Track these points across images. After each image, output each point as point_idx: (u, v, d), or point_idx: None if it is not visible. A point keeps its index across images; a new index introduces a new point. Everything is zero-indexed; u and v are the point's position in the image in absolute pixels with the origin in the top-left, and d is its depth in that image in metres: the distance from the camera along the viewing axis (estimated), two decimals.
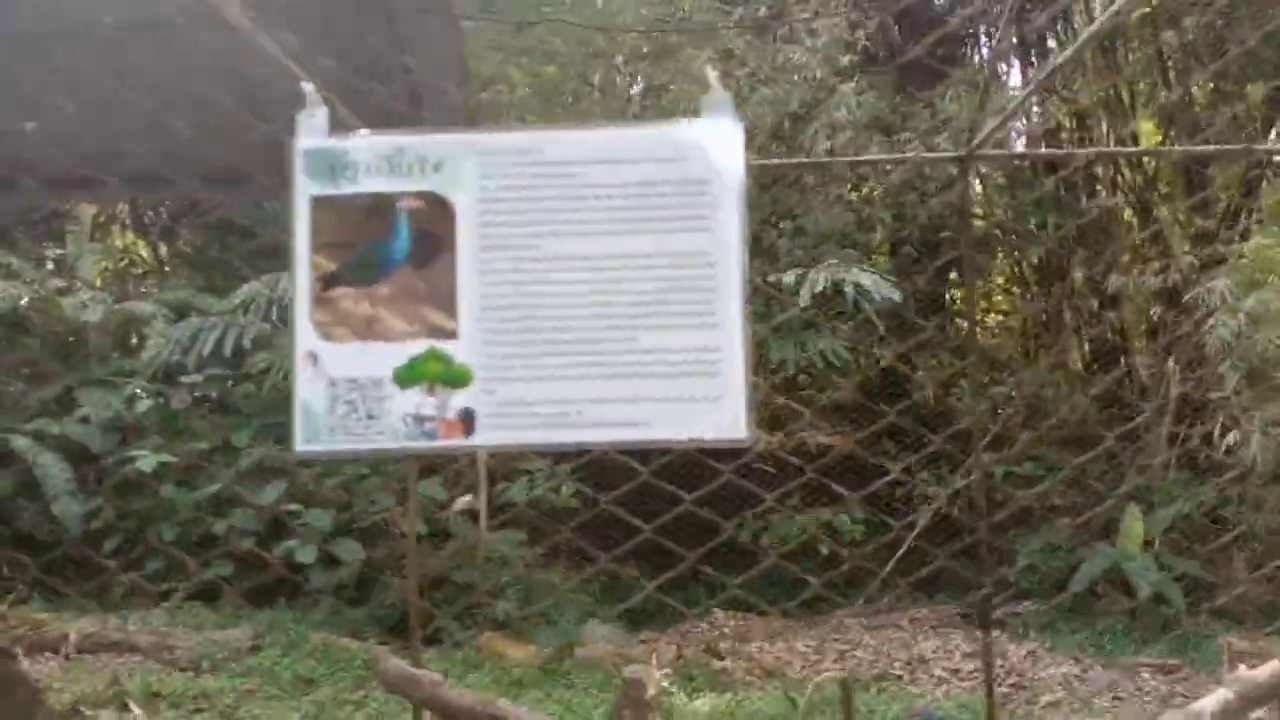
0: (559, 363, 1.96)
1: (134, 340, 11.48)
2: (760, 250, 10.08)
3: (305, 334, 1.97)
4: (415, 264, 1.98)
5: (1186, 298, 9.45)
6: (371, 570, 9.50)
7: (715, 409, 1.95)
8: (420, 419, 1.96)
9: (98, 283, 12.08)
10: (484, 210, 2.00)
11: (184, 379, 10.52)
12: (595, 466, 8.71)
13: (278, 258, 10.50)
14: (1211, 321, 8.79)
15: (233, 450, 10.16)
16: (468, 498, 9.65)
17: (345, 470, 9.75)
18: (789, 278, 9.33)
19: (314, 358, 1.97)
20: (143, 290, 12.96)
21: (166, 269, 13.86)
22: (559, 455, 9.43)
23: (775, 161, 9.12)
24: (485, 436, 1.96)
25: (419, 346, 1.96)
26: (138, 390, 10.41)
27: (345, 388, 1.97)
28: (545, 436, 1.97)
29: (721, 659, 8.76)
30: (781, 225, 10.60)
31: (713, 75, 2.00)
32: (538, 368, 1.96)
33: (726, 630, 9.34)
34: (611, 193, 2.00)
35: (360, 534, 9.48)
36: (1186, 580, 9.54)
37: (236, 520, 9.60)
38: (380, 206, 2.00)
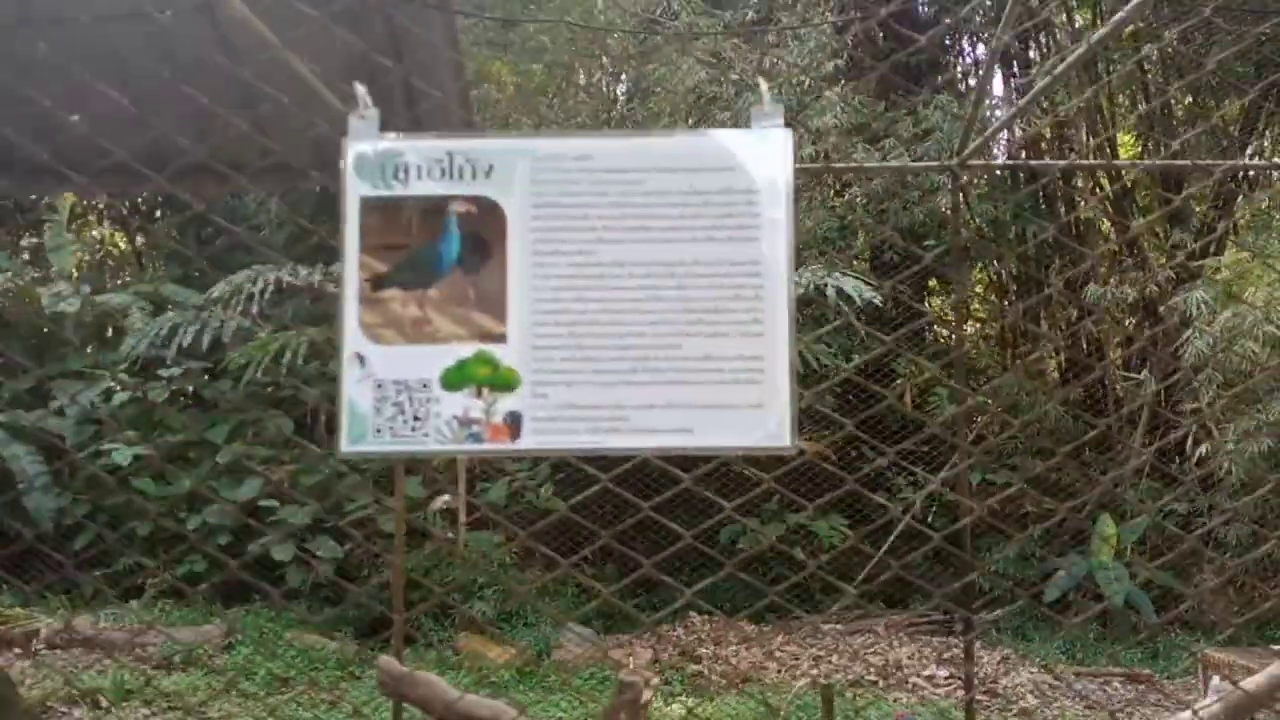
0: (608, 369, 1.95)
1: (110, 333, 11.34)
2: None
3: (353, 335, 1.96)
4: (465, 268, 1.97)
5: (1162, 309, 9.54)
6: (348, 568, 9.45)
7: (760, 417, 1.96)
8: (467, 422, 1.94)
9: (74, 274, 11.92)
10: (535, 215, 1.99)
11: (162, 373, 10.40)
12: (573, 468, 8.69)
13: (254, 252, 10.41)
14: (1188, 333, 8.87)
15: (209, 446, 10.07)
16: (446, 497, 9.62)
17: (323, 468, 9.70)
18: None
19: (361, 359, 1.96)
20: (119, 282, 12.82)
21: (144, 261, 13.71)
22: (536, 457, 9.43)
23: None
24: (531, 440, 1.95)
25: (467, 350, 1.95)
26: (114, 383, 10.28)
27: (393, 390, 1.96)
28: (592, 441, 1.96)
29: (698, 663, 8.78)
30: None
31: (764, 85, 2.01)
32: (586, 373, 1.96)
33: (702, 635, 9.35)
34: (664, 200, 1.99)
35: (338, 532, 9.41)
36: (1158, 589, 9.64)
37: (212, 517, 9.52)
38: (431, 209, 1.99)
